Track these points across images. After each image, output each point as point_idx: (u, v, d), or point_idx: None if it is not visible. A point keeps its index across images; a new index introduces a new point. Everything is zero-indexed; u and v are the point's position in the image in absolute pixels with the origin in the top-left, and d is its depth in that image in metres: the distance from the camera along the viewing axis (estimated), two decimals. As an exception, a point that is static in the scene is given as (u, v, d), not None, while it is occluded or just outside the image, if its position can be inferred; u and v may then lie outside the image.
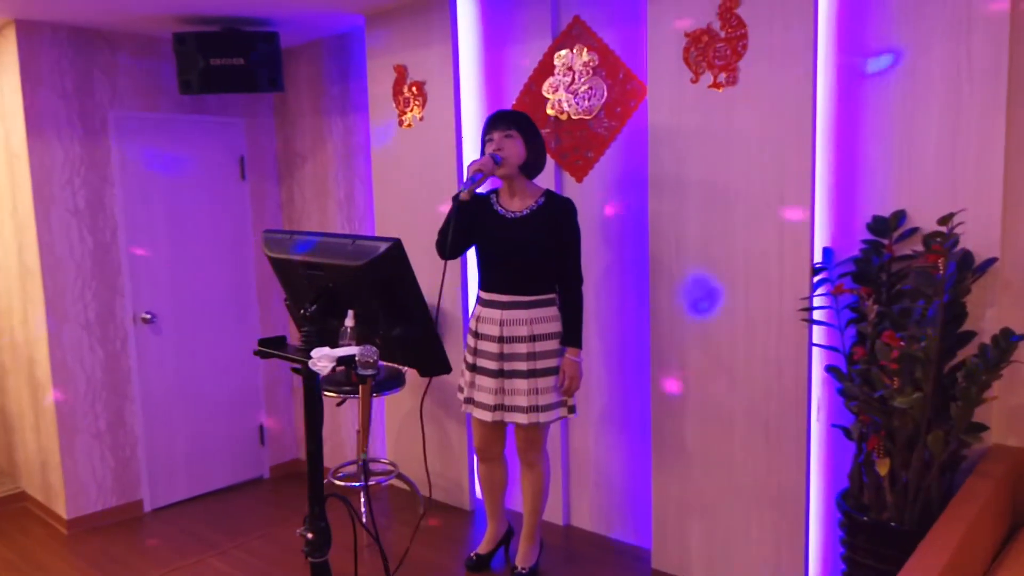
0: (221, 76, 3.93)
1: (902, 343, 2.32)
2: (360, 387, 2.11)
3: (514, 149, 2.98)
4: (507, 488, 3.40)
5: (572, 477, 3.74)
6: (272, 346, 2.44)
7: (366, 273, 2.13)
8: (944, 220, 2.23)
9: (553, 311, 3.05)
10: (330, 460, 4.75)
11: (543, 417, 3.02)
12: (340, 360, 2.10)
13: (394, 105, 3.98)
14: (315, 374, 2.36)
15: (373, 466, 4.25)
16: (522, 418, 3.02)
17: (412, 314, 2.17)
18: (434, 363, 2.24)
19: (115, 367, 4.18)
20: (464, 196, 2.84)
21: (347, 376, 2.10)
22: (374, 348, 2.07)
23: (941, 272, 2.22)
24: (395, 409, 4.28)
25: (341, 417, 4.68)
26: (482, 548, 3.39)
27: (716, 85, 2.92)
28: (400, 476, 4.17)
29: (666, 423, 3.22)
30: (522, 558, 3.26)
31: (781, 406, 2.89)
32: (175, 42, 3.91)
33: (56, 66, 3.91)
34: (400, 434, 4.28)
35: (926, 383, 2.30)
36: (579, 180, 3.49)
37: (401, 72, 3.91)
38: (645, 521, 3.47)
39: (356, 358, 2.06)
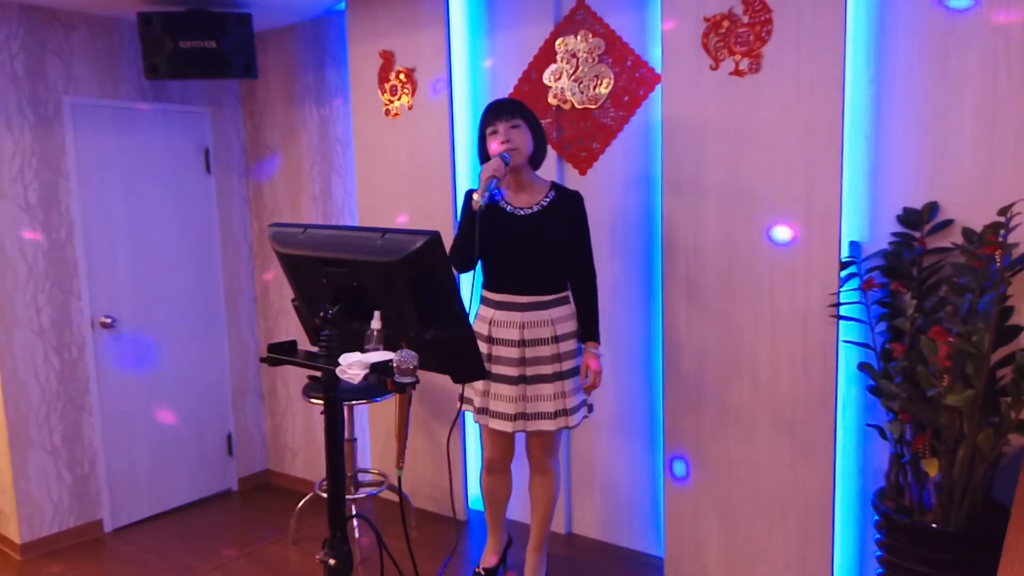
0: (191, 60, 3.65)
1: (950, 339, 2.24)
2: (397, 397, 1.91)
3: (523, 140, 2.80)
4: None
5: (574, 483, 3.58)
6: (283, 352, 2.21)
7: (400, 270, 1.93)
8: (1003, 211, 2.15)
9: (570, 309, 2.90)
10: (306, 471, 4.49)
11: (572, 421, 2.86)
12: (374, 367, 1.90)
13: (379, 93, 3.75)
14: (337, 383, 2.15)
15: (361, 476, 4.01)
16: (549, 424, 2.83)
17: (448, 314, 1.98)
18: (470, 368, 2.06)
19: (72, 376, 3.84)
20: (482, 207, 2.63)
21: (382, 384, 1.89)
22: (413, 353, 1.87)
23: (998, 264, 2.14)
24: (380, 416, 4.05)
25: (318, 425, 4.43)
26: (487, 562, 3.20)
27: (738, 72, 2.80)
28: (391, 488, 3.94)
29: (681, 426, 3.09)
30: (532, 571, 3.08)
31: (808, 406, 2.79)
32: (140, 23, 3.60)
33: (5, 47, 3.55)
34: (387, 443, 4.05)
35: (977, 379, 2.22)
36: (583, 173, 3.34)
37: (388, 58, 3.69)
38: (656, 527, 3.34)
39: (394, 364, 1.86)
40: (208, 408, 4.43)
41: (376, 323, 2.01)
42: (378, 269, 1.97)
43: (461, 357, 2.03)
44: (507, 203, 2.88)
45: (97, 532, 3.96)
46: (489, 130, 2.82)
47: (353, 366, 1.89)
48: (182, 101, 4.23)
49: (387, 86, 3.72)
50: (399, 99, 3.68)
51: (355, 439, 3.69)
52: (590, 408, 2.99)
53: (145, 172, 4.08)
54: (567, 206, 2.86)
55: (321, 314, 2.05)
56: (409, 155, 3.70)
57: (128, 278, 4.04)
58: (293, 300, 2.32)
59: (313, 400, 3.48)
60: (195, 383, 4.36)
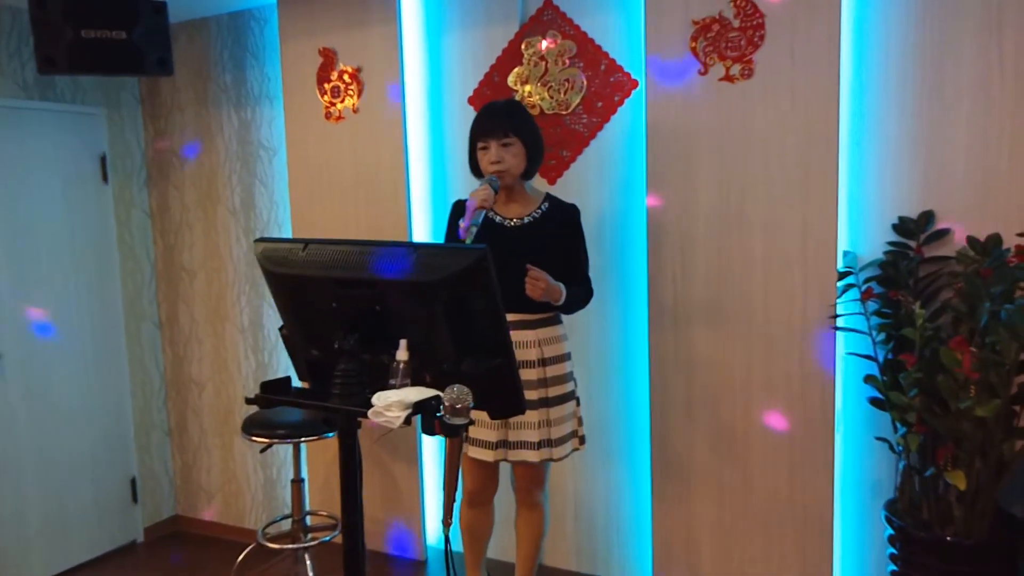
0: (96, 53, 3.16)
1: (973, 348, 2.21)
2: (447, 442, 1.63)
3: (515, 160, 2.57)
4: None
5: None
6: (278, 391, 1.87)
7: (439, 291, 1.66)
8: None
9: (561, 330, 2.69)
10: (224, 515, 4.03)
11: (556, 453, 2.62)
12: (416, 406, 1.61)
13: (318, 95, 3.40)
14: (354, 427, 1.84)
15: (311, 519, 3.60)
16: (532, 455, 2.60)
17: (489, 342, 1.73)
18: (510, 401, 1.81)
19: (-55, 423, 3.24)
20: (470, 240, 2.38)
21: (426, 425, 1.58)
22: (466, 388, 1.60)
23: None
24: (319, 455, 3.66)
25: (257, 464, 3.98)
26: (467, 606, 2.93)
27: (729, 78, 2.71)
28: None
29: (670, 446, 2.95)
30: (519, 612, 2.85)
31: (805, 420, 2.72)
32: (32, 6, 3.08)
33: None
34: (327, 483, 3.66)
35: (1003, 388, 2.20)
36: (552, 182, 3.14)
37: (329, 57, 3.35)
38: (639, 553, 3.18)
39: (445, 402, 1.58)
40: (108, 449, 3.88)
41: (402, 353, 1.73)
42: (412, 291, 1.69)
43: (501, 390, 1.78)
44: (496, 213, 2.65)
45: (-20, 606, 3.36)
46: (480, 145, 2.59)
47: (392, 407, 1.60)
48: (73, 100, 3.69)
49: (328, 87, 3.38)
50: (342, 101, 3.35)
51: (303, 479, 3.30)
52: (581, 440, 2.76)
53: (31, 181, 3.52)
54: (561, 219, 2.66)
55: (336, 345, 1.74)
56: (355, 163, 3.38)
57: (13, 305, 3.46)
58: (281, 328, 1.98)
59: (256, 439, 3.09)
60: (93, 421, 3.80)
